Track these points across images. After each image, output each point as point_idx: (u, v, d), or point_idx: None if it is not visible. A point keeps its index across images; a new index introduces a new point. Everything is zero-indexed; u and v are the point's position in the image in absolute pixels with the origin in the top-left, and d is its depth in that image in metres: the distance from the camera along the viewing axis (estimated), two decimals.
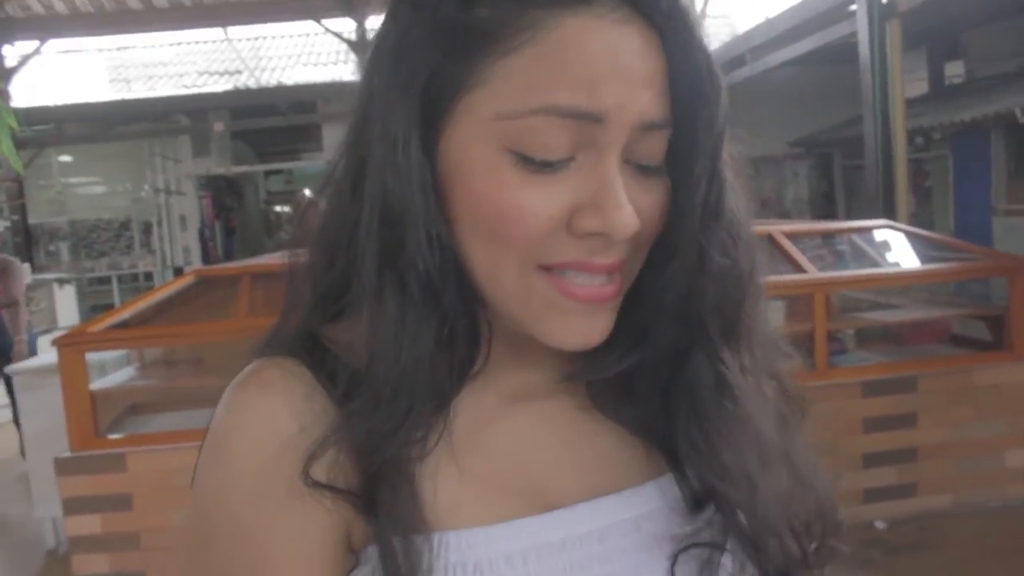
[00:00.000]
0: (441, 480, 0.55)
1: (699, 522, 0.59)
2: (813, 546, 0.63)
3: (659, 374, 0.60)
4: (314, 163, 14.42)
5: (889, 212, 6.31)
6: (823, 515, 0.63)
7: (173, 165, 13.20)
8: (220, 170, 13.96)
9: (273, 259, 5.96)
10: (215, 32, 12.96)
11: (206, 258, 12.99)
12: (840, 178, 12.95)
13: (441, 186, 0.54)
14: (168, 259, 13.21)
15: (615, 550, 0.58)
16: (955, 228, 9.34)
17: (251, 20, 12.41)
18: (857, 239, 4.42)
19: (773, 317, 4.39)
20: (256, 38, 14.66)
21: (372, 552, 0.53)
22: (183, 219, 13.49)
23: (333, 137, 12.46)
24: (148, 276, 13.06)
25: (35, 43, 11.11)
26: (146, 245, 13.32)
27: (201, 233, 13.56)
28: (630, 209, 0.51)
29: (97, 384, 3.51)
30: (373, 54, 0.57)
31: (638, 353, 0.59)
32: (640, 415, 0.62)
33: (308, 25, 12.78)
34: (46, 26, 11.23)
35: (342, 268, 0.58)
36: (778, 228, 4.17)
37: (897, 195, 6.79)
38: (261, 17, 12.21)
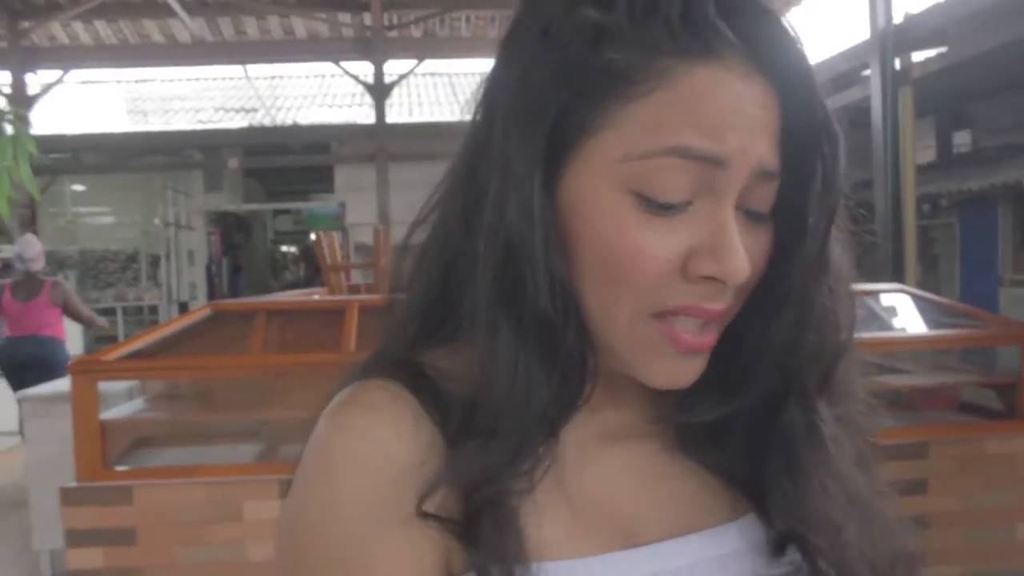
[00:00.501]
0: (541, 512, 0.56)
1: (783, 565, 0.60)
2: None
3: (751, 421, 0.61)
4: (324, 204, 14.52)
5: (898, 277, 6.35)
6: (903, 560, 0.65)
7: (184, 199, 13.29)
8: (231, 207, 14.06)
9: (287, 297, 5.99)
10: (235, 70, 13.12)
11: (211, 294, 13.03)
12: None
13: (560, 224, 0.55)
14: (174, 293, 13.22)
15: None
16: (961, 296, 9.36)
17: (270, 59, 12.60)
18: (869, 302, 4.43)
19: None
20: (274, 77, 14.85)
21: None
22: (191, 254, 13.54)
23: (345, 179, 12.60)
24: (153, 309, 13.06)
25: (58, 72, 11.27)
26: (152, 278, 13.33)
27: (208, 269, 13.61)
28: (744, 255, 0.53)
29: (107, 414, 3.49)
30: (493, 80, 0.58)
31: (733, 401, 0.60)
32: (725, 458, 0.63)
33: (326, 67, 12.95)
34: (69, 56, 11.41)
35: (447, 296, 0.59)
36: None
37: (906, 260, 6.84)
38: (281, 57, 12.40)
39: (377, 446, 0.55)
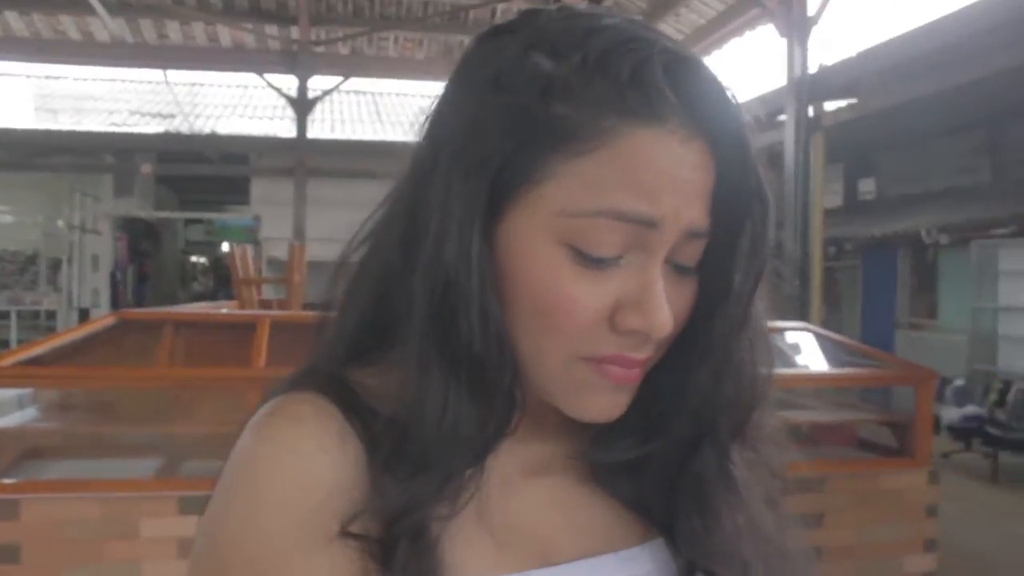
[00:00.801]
0: (459, 535, 0.56)
1: None
2: None
3: (666, 464, 0.63)
4: (238, 216, 14.25)
5: (804, 316, 6.56)
6: None
7: (92, 203, 12.84)
8: (141, 213, 13.65)
9: (197, 308, 5.83)
10: (154, 73, 12.80)
11: (115, 302, 12.59)
12: None
13: (497, 268, 0.56)
14: (75, 299, 12.72)
15: None
16: (861, 336, 9.74)
17: (192, 65, 12.37)
18: (775, 339, 4.56)
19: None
20: (195, 84, 14.55)
21: None
22: (95, 259, 13.07)
23: (261, 192, 12.39)
24: (51, 315, 12.53)
25: None
26: (52, 282, 12.80)
27: (113, 276, 13.16)
28: (668, 311, 0.55)
29: None
30: (441, 116, 0.59)
31: (651, 443, 0.62)
32: (638, 491, 0.65)
33: (249, 77, 12.76)
34: None
35: (380, 320, 0.60)
36: None
37: (812, 301, 7.07)
38: (203, 64, 12.18)
39: (302, 459, 0.55)
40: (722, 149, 0.56)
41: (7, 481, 3.26)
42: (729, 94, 0.56)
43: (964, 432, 7.66)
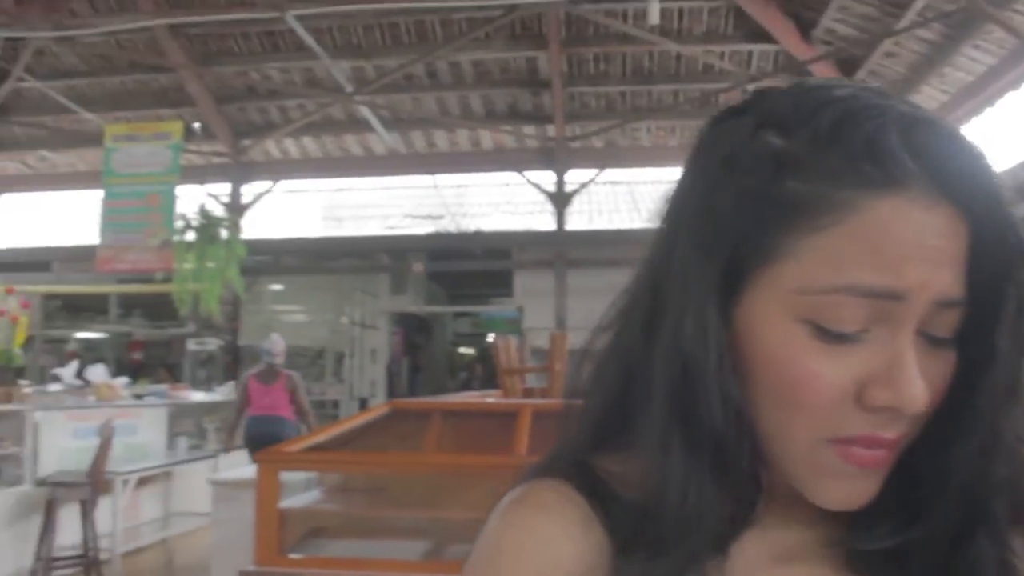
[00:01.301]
0: None
1: None
2: None
3: (934, 553, 0.56)
4: (503, 308, 14.85)
5: None
6: None
7: (371, 300, 13.96)
8: (413, 309, 14.63)
9: (463, 398, 6.10)
10: (424, 179, 13.87)
11: (391, 391, 13.46)
12: None
13: (735, 347, 0.55)
14: (355, 390, 13.77)
15: None
16: None
17: (458, 169, 13.27)
18: None
19: None
20: (460, 185, 15.56)
21: None
22: (373, 352, 14.11)
23: (523, 284, 12.88)
24: (335, 404, 13.63)
25: (269, 183, 12.35)
26: (336, 374, 13.96)
27: (388, 367, 14.11)
28: (922, 384, 0.52)
29: (286, 503, 3.62)
30: (677, 199, 0.59)
31: (912, 530, 0.57)
32: None
33: (510, 175, 13.46)
34: (279, 169, 12.57)
35: (625, 405, 0.59)
36: None
37: None
38: (467, 167, 13.05)
39: (546, 545, 0.56)
40: (973, 212, 0.52)
41: (294, 556, 3.52)
42: (976, 152, 0.53)
43: None
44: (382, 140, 11.77)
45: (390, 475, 3.83)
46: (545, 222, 12.71)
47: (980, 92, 8.75)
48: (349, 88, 10.55)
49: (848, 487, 0.55)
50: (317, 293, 13.88)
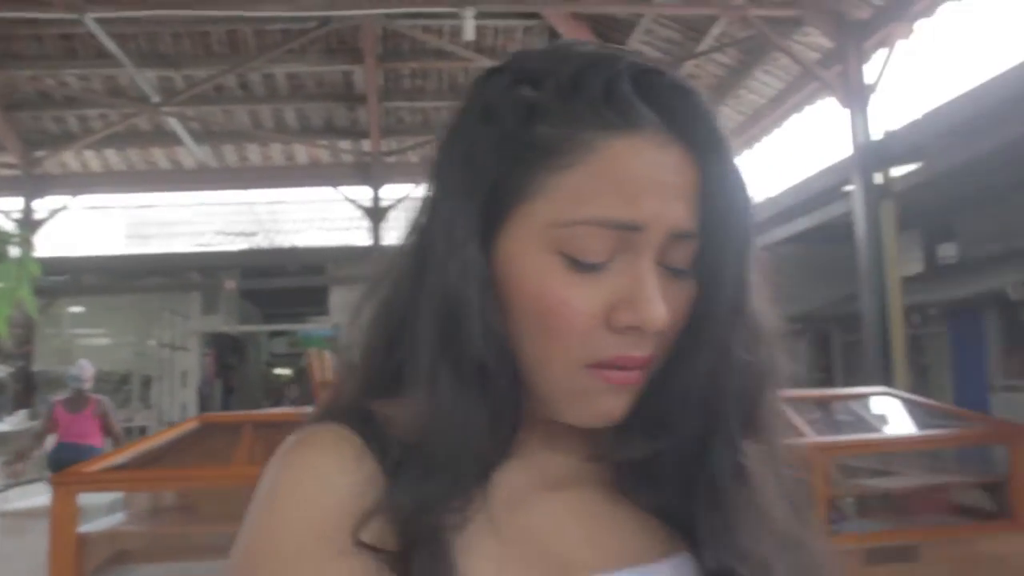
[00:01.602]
0: (473, 549, 0.58)
1: None
2: None
3: (681, 461, 0.64)
4: (319, 327, 14.59)
5: (887, 385, 6.35)
6: None
7: (181, 321, 13.37)
8: (226, 328, 14.12)
9: (277, 411, 5.98)
10: (236, 194, 13.45)
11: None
12: (839, 354, 13.05)
13: (496, 282, 0.60)
14: (165, 414, 13.13)
15: None
16: (954, 403, 9.34)
17: (272, 184, 12.96)
18: (855, 407, 4.44)
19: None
20: (274, 202, 15.19)
21: None
22: (184, 375, 13.51)
23: (340, 301, 12.68)
24: (142, 430, 12.91)
25: (66, 198, 11.57)
26: (144, 399, 13.27)
27: (200, 390, 13.56)
28: (662, 305, 0.58)
29: (85, 527, 3.44)
30: (440, 159, 0.64)
31: (661, 440, 0.63)
32: (659, 498, 0.66)
33: (326, 191, 13.28)
34: (78, 183, 11.80)
35: (396, 351, 0.63)
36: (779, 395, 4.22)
37: (895, 369, 6.85)
38: (281, 182, 12.76)
39: (321, 478, 0.58)
40: (701, 152, 0.59)
41: None
42: (702, 101, 0.60)
43: None
44: (191, 153, 11.32)
45: (200, 491, 3.72)
46: (361, 238, 12.64)
47: (770, 113, 9.52)
48: (156, 98, 10.09)
49: (604, 404, 0.60)
50: (121, 314, 13.13)
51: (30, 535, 3.93)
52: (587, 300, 0.58)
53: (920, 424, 4.19)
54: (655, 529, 0.65)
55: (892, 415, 4.36)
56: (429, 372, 0.59)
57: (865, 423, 4.32)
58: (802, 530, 0.67)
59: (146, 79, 10.00)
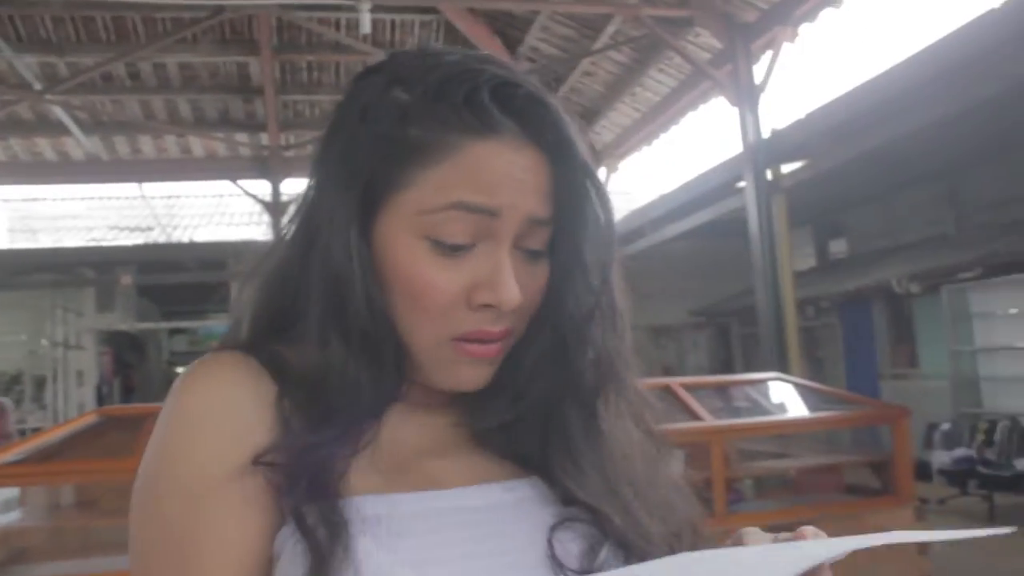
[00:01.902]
0: (354, 472, 0.66)
1: (572, 512, 0.70)
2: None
3: (536, 421, 0.73)
4: (221, 323, 14.23)
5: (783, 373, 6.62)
6: (690, 527, 0.75)
7: (75, 318, 12.86)
8: (123, 326, 13.67)
9: None
10: (130, 188, 13.03)
11: None
12: (739, 346, 13.50)
13: (376, 262, 0.68)
14: (61, 416, 12.62)
15: (500, 521, 0.68)
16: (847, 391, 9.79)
17: (167, 178, 12.57)
18: (751, 391, 4.64)
19: (673, 465, 4.51)
20: (171, 196, 14.78)
21: (289, 531, 0.62)
22: (80, 374, 13.02)
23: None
24: (37, 432, 12.42)
25: None
26: (37, 400, 12.73)
27: (98, 390, 13.09)
28: (515, 285, 0.67)
29: None
30: (322, 151, 0.72)
31: (519, 406, 0.73)
32: (514, 446, 0.74)
33: (224, 185, 12.98)
34: None
35: (286, 311, 0.72)
36: (676, 381, 4.39)
37: (790, 359, 7.15)
38: (177, 175, 12.39)
39: (221, 393, 0.66)
40: (553, 152, 0.68)
41: None
42: (555, 107, 0.69)
43: (957, 476, 7.67)
44: (80, 144, 10.89)
45: (100, 486, 3.63)
46: (262, 232, 12.42)
47: (665, 111, 9.77)
48: (38, 85, 9.66)
49: (467, 373, 0.69)
50: (9, 312, 12.53)
51: None
52: (450, 281, 0.66)
53: (811, 407, 4.42)
54: (511, 462, 0.74)
55: (785, 399, 4.58)
56: (320, 336, 0.68)
57: (760, 407, 4.53)
58: (655, 473, 0.76)
59: (27, 65, 9.56)
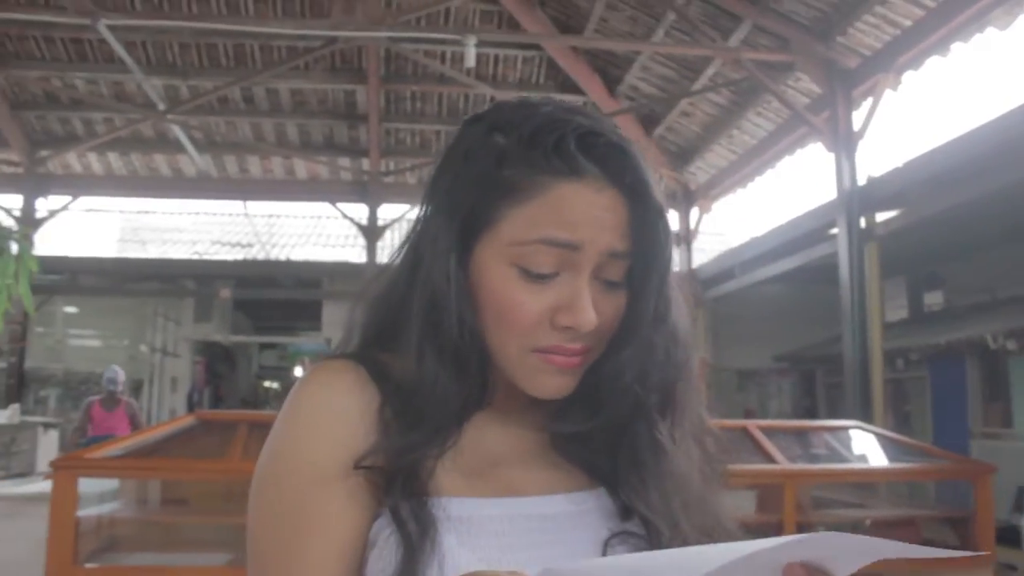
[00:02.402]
0: (442, 473, 0.76)
1: (630, 525, 0.80)
2: None
3: (608, 434, 0.82)
4: (310, 340, 14.64)
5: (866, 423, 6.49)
6: (722, 528, 0.83)
7: (174, 327, 13.46)
8: (218, 337, 14.21)
9: (270, 411, 6.09)
10: (235, 205, 13.59)
11: None
12: (823, 395, 13.17)
13: (471, 285, 0.78)
14: (153, 419, 13.16)
15: (562, 530, 0.78)
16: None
17: (270, 197, 13.09)
18: (830, 438, 4.59)
19: (743, 506, 4.48)
20: (272, 215, 15.32)
21: (384, 522, 0.72)
22: (174, 381, 13.59)
23: (333, 316, 12.74)
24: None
25: (67, 198, 11.69)
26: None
27: (189, 397, 13.62)
28: (591, 311, 0.76)
29: (84, 511, 3.56)
30: (431, 186, 0.83)
31: (595, 419, 0.81)
32: (587, 455, 0.83)
33: (323, 207, 13.41)
34: (80, 184, 11.89)
35: (391, 325, 0.83)
36: (753, 423, 4.39)
37: (874, 410, 7.00)
38: (280, 195, 12.89)
39: (333, 393, 0.77)
40: (630, 193, 0.77)
41: (91, 566, 3.46)
42: (632, 153, 0.78)
43: None
44: (193, 162, 11.48)
45: (193, 484, 3.84)
46: (357, 255, 12.76)
47: (761, 154, 9.74)
48: (161, 106, 10.26)
49: (551, 381, 0.78)
50: (115, 317, 13.22)
51: (22, 519, 4.03)
52: (535, 302, 0.76)
53: (890, 458, 4.35)
54: (582, 474, 0.83)
55: (865, 449, 4.52)
56: (418, 350, 0.77)
57: (838, 455, 4.48)
58: (708, 492, 0.84)
59: (153, 86, 10.16)
